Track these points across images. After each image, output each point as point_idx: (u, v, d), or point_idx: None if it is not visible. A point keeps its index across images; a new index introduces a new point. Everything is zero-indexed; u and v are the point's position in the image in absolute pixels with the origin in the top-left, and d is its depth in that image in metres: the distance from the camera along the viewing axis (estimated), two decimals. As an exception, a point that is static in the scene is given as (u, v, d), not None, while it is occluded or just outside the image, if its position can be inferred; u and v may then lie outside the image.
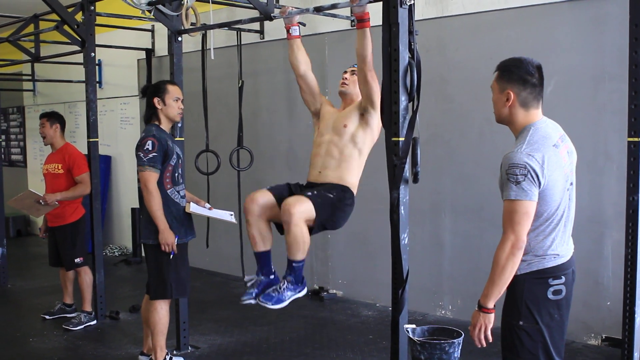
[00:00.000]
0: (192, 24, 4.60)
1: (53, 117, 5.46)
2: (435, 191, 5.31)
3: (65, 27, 5.35)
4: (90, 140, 5.38)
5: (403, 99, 3.02)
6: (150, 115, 4.12)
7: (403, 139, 3.01)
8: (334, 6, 3.55)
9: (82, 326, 5.29)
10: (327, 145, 3.59)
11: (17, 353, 4.76)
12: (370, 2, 3.18)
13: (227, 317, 5.54)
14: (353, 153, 3.54)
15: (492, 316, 2.56)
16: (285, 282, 3.40)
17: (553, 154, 2.51)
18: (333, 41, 5.94)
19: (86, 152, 5.43)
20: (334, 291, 6.12)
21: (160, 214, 3.94)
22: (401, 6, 2.98)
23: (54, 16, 5.52)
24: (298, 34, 3.61)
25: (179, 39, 4.60)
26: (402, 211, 3.03)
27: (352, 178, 3.55)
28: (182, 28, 4.53)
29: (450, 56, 5.21)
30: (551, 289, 2.54)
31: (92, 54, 5.36)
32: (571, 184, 2.63)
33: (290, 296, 3.40)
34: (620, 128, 4.05)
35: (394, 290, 3.07)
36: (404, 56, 3.01)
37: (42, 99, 9.96)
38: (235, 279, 6.77)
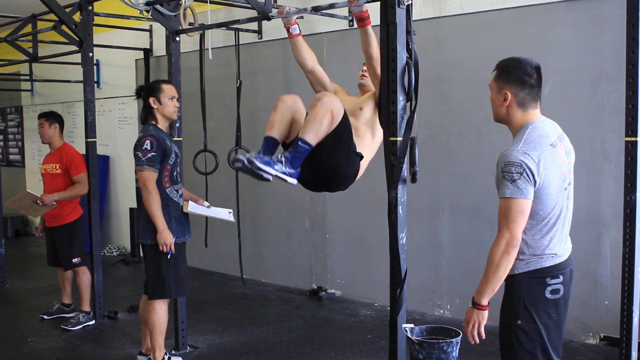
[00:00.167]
0: (190, 23, 4.60)
1: (52, 117, 5.46)
2: (433, 191, 5.31)
3: (63, 27, 5.35)
4: (89, 140, 5.37)
5: (401, 98, 3.02)
6: (146, 115, 4.12)
7: (401, 138, 3.01)
8: (331, 6, 3.55)
9: (81, 326, 5.29)
10: None
11: (16, 353, 4.75)
12: (368, 2, 3.18)
13: (226, 317, 5.54)
14: (367, 133, 3.50)
15: (485, 313, 2.57)
16: (282, 156, 3.16)
17: (549, 153, 2.52)
18: (331, 41, 5.94)
19: (84, 152, 5.42)
20: (333, 291, 6.12)
21: (159, 214, 3.94)
22: (399, 6, 2.97)
23: (52, 16, 5.52)
24: (298, 32, 3.60)
25: (177, 39, 4.60)
26: (400, 211, 3.04)
27: (363, 152, 3.51)
28: (180, 28, 4.53)
29: (448, 56, 5.22)
30: (549, 288, 2.55)
31: (90, 54, 5.36)
32: (569, 183, 2.64)
33: (278, 171, 3.11)
34: (618, 128, 4.06)
35: (392, 290, 3.07)
36: (402, 56, 3.01)
37: (40, 99, 9.95)
38: (233, 279, 6.77)
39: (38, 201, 5.15)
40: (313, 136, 3.14)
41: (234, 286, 6.58)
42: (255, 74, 6.54)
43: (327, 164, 3.30)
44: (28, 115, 10.29)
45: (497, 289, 2.55)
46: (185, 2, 4.42)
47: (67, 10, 5.30)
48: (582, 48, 4.56)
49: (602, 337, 4.58)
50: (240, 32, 6.24)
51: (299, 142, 3.13)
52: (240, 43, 6.22)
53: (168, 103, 4.10)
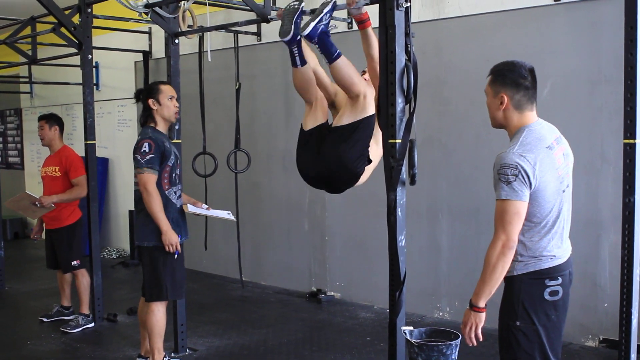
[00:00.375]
0: (189, 26, 4.61)
1: (52, 120, 5.47)
2: (432, 193, 5.32)
3: (63, 29, 5.35)
4: (88, 142, 5.37)
5: (400, 101, 3.02)
6: (146, 118, 4.13)
7: (400, 141, 3.01)
8: (331, 9, 3.54)
9: (80, 329, 5.28)
10: None
11: (15, 356, 4.75)
12: (367, 4, 3.18)
13: (225, 319, 5.54)
14: (372, 140, 3.50)
15: (482, 315, 2.58)
16: (321, 22, 3.11)
17: (546, 155, 2.53)
18: (330, 43, 5.94)
19: (83, 155, 5.43)
20: (332, 293, 6.12)
21: (162, 215, 3.94)
22: (397, 8, 2.98)
23: (51, 18, 5.52)
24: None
25: (176, 41, 4.61)
26: (399, 213, 3.04)
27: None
28: (180, 30, 4.54)
29: (446, 58, 5.22)
30: (548, 290, 2.56)
31: (89, 56, 5.36)
32: (567, 186, 2.64)
33: (313, 23, 3.06)
34: (617, 130, 4.06)
35: (391, 293, 3.07)
36: (401, 58, 3.01)
37: (39, 101, 9.95)
38: (233, 281, 6.76)
39: (37, 203, 5.15)
40: (344, 64, 3.12)
41: (233, 288, 6.58)
42: (254, 77, 6.55)
43: (339, 152, 3.26)
44: (27, 117, 10.29)
45: (494, 291, 2.55)
46: (184, 4, 4.42)
47: (66, 12, 5.30)
48: (580, 50, 4.56)
49: (601, 339, 4.58)
50: (239, 35, 6.24)
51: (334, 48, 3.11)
52: (239, 45, 6.22)
53: (167, 103, 4.10)
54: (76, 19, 5.34)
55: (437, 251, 5.37)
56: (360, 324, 5.32)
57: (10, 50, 6.53)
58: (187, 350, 4.72)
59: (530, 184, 2.48)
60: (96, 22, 5.48)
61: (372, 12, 3.20)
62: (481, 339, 2.60)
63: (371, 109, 3.25)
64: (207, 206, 4.43)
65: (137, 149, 3.96)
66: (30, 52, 6.43)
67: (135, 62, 7.90)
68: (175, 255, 4.01)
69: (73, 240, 5.40)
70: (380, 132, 3.44)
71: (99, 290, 5.43)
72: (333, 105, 3.74)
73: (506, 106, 2.63)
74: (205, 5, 4.67)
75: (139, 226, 4.05)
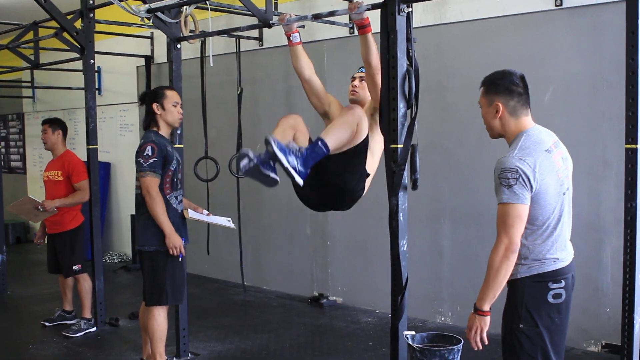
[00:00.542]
0: (191, 31, 4.61)
1: (55, 124, 5.48)
2: (434, 198, 5.31)
3: (65, 34, 5.36)
4: (90, 147, 5.38)
5: (401, 106, 3.03)
6: (149, 122, 4.13)
7: (402, 146, 3.02)
8: (332, 13, 3.56)
9: (82, 333, 5.29)
10: None
11: (16, 360, 4.76)
12: (368, 9, 3.19)
13: (227, 324, 5.54)
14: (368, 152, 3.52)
15: (487, 319, 2.59)
16: (299, 151, 3.06)
17: (545, 158, 2.56)
18: (332, 48, 5.96)
19: (86, 159, 5.44)
20: (334, 298, 6.12)
21: (165, 219, 3.95)
22: (399, 14, 2.99)
23: (54, 23, 5.54)
24: (299, 40, 3.61)
25: (178, 46, 4.61)
26: (401, 218, 3.04)
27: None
28: (181, 35, 4.54)
29: (448, 63, 5.23)
30: (551, 293, 2.57)
31: (92, 61, 5.37)
32: (567, 189, 2.66)
33: (289, 163, 2.99)
34: (618, 135, 4.06)
35: (393, 297, 3.07)
36: (402, 63, 3.02)
37: (42, 105, 9.97)
38: (235, 286, 6.76)
39: (39, 207, 5.16)
40: (333, 141, 3.14)
41: (235, 293, 6.58)
42: (256, 81, 6.56)
43: (337, 181, 3.33)
44: (29, 122, 10.31)
45: (498, 295, 2.56)
46: (186, 9, 4.43)
47: (69, 17, 5.32)
48: (582, 55, 4.57)
49: (603, 344, 4.57)
50: (241, 40, 6.26)
51: (319, 142, 3.11)
52: (241, 50, 6.24)
53: (172, 109, 4.11)
54: (78, 24, 5.36)
55: (439, 256, 5.36)
56: (362, 329, 5.31)
57: (13, 55, 6.55)
58: (189, 355, 4.72)
59: (531, 186, 2.49)
60: (98, 27, 5.49)
61: (374, 17, 3.21)
62: (486, 343, 2.60)
63: (365, 130, 3.28)
64: (207, 212, 4.43)
65: (139, 152, 3.96)
66: (32, 57, 6.45)
67: (138, 66, 7.91)
68: (180, 258, 4.02)
69: (75, 244, 5.40)
70: (374, 145, 3.48)
71: (101, 295, 5.44)
72: (326, 115, 3.76)
73: (502, 114, 2.66)
74: (207, 10, 4.69)
75: (140, 230, 4.05)
